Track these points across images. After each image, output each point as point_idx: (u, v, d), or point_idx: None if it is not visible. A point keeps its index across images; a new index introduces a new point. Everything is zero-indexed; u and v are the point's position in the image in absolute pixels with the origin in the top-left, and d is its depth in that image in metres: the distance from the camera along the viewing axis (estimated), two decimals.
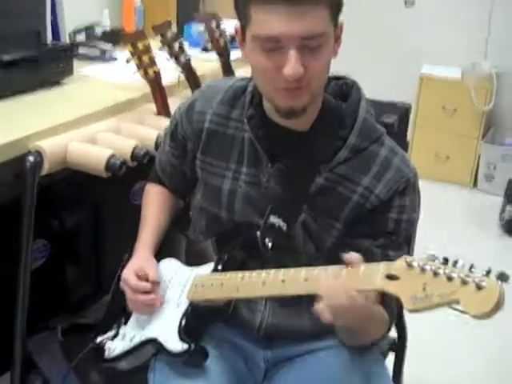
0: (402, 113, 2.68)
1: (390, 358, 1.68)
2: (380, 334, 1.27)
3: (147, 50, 1.92)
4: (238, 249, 1.32)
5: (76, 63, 2.09)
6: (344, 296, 1.04)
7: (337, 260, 1.09)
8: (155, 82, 1.94)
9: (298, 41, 1.11)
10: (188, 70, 2.10)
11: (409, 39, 4.40)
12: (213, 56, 2.39)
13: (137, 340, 1.37)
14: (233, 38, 2.12)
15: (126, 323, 1.42)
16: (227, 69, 2.34)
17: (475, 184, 4.27)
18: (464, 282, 0.89)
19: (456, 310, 0.91)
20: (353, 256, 1.07)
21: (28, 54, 1.83)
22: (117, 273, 1.45)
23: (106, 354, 1.39)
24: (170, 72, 2.07)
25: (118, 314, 1.43)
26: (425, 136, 4.29)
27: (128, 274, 1.36)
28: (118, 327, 1.42)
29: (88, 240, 2.15)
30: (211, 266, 1.33)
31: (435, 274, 0.92)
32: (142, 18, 2.83)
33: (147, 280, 1.35)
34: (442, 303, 0.91)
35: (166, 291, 1.37)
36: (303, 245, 1.29)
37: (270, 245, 1.28)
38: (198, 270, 1.35)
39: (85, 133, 1.71)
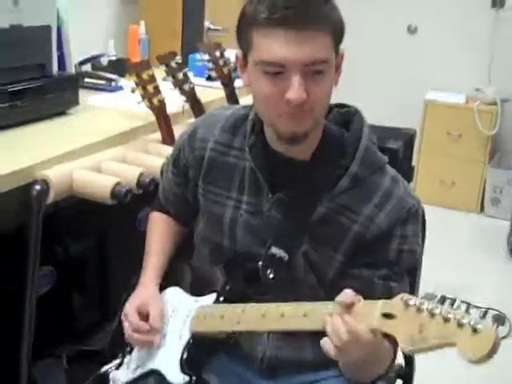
0: (407, 139, 2.70)
1: None
2: (384, 369, 1.23)
3: (152, 79, 1.94)
4: (240, 279, 1.31)
5: (82, 93, 2.11)
6: (347, 333, 1.03)
7: (339, 291, 1.08)
8: (160, 110, 1.95)
9: (301, 67, 1.11)
10: (193, 98, 2.11)
11: (413, 66, 4.44)
12: (217, 84, 2.41)
13: (139, 371, 1.36)
14: (237, 67, 2.14)
15: (130, 352, 1.42)
16: (232, 97, 2.36)
17: (482, 209, 4.26)
18: (460, 325, 0.88)
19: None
20: (347, 298, 1.06)
21: (34, 85, 1.85)
22: (122, 300, 1.44)
23: None
24: (174, 101, 2.09)
25: (124, 342, 1.42)
26: (430, 162, 4.30)
27: (130, 309, 1.35)
28: (123, 356, 1.42)
29: (94, 267, 2.15)
30: (214, 296, 1.33)
31: (432, 314, 0.92)
32: (147, 47, 2.87)
33: (148, 318, 1.34)
34: (439, 346, 0.91)
35: (170, 320, 1.37)
36: (304, 275, 1.28)
37: (271, 275, 1.26)
38: (202, 300, 1.35)
39: (90, 161, 1.73)
